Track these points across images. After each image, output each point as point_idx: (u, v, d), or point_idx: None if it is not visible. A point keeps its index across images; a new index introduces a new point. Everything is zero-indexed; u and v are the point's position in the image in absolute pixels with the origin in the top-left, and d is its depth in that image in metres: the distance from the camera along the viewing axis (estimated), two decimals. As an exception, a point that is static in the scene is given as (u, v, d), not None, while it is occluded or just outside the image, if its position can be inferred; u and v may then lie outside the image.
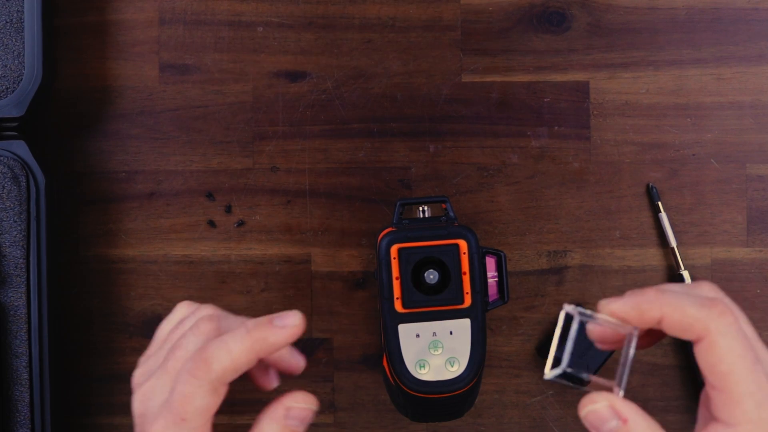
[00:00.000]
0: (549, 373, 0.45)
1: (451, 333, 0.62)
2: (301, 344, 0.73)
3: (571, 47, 0.73)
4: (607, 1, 0.73)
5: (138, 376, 0.52)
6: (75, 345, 0.73)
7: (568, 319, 0.45)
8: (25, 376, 0.67)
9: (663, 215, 0.72)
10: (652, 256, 0.73)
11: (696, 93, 0.73)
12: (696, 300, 0.44)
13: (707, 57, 0.73)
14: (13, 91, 0.69)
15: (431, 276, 0.63)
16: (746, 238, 0.73)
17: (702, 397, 0.46)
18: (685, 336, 0.44)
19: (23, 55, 0.68)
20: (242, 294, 0.73)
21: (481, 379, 0.66)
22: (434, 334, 0.62)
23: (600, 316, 0.45)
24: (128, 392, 0.73)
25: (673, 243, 0.72)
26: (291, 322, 0.49)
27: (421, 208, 0.68)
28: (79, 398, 0.73)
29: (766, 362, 0.44)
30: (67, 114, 0.74)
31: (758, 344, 0.45)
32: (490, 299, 0.65)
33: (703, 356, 0.43)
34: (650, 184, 0.73)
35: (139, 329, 0.73)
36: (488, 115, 0.73)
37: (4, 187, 0.68)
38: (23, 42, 0.68)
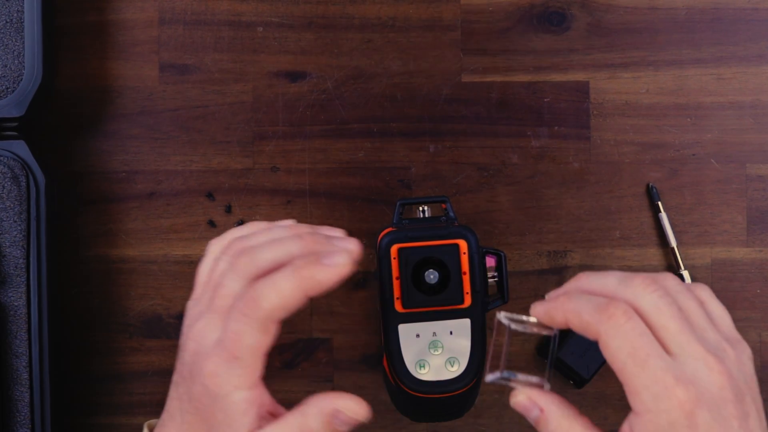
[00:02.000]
0: (488, 377, 0.51)
1: (451, 333, 0.62)
2: (301, 344, 0.73)
3: (571, 47, 0.73)
4: (607, 1, 0.73)
5: (188, 318, 0.52)
6: (75, 345, 0.73)
7: (504, 326, 0.51)
8: (25, 376, 0.67)
9: (663, 215, 0.72)
10: (652, 256, 0.73)
11: (696, 93, 0.73)
12: (593, 305, 0.47)
13: (707, 57, 0.73)
14: (13, 91, 0.69)
15: (431, 276, 0.63)
16: (746, 238, 0.73)
17: None
18: (589, 335, 0.48)
19: (23, 55, 0.68)
20: (242, 294, 0.73)
21: (481, 379, 0.66)
22: (434, 334, 0.62)
23: (529, 319, 0.51)
24: (129, 392, 0.74)
25: (673, 243, 0.72)
26: (340, 261, 0.49)
27: (421, 208, 0.68)
28: (79, 398, 0.73)
29: (680, 356, 0.46)
30: (67, 114, 0.74)
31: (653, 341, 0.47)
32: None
33: (604, 353, 0.47)
34: (650, 184, 0.73)
35: (139, 329, 0.73)
36: (488, 115, 0.73)
37: (4, 187, 0.68)
38: (23, 42, 0.68)
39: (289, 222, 0.54)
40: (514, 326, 0.51)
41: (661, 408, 0.45)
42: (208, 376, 0.48)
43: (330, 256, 0.49)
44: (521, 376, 0.51)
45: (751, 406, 0.46)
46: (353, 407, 0.49)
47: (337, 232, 0.54)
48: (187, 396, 0.50)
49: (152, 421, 0.60)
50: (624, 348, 0.46)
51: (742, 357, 0.47)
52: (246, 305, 0.48)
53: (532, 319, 0.50)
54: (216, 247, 0.53)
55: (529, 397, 0.50)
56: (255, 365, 0.48)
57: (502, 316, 0.51)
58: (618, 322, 0.46)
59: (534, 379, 0.51)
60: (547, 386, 0.51)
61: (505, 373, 0.51)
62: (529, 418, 0.50)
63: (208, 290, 0.52)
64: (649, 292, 0.47)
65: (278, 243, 0.50)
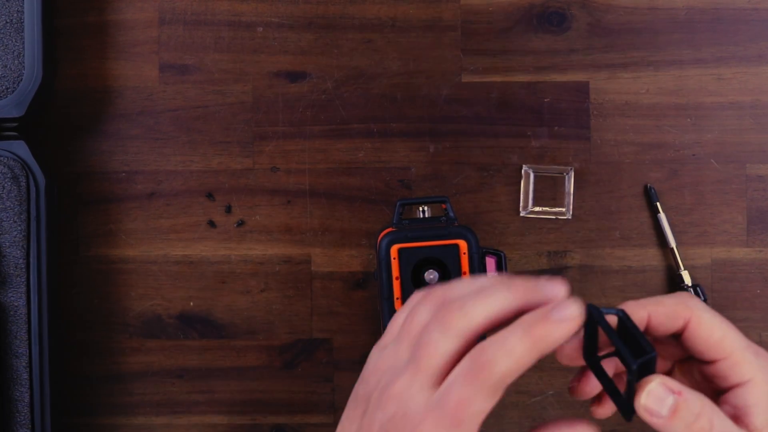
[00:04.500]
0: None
1: (451, 333, 0.62)
2: (301, 344, 0.73)
3: (571, 47, 0.73)
4: (607, 1, 0.73)
5: (378, 371, 0.48)
6: (75, 345, 0.73)
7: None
8: (25, 376, 0.67)
9: (662, 216, 0.72)
10: (652, 256, 0.73)
11: (696, 93, 0.73)
12: (668, 295, 0.47)
13: (707, 57, 0.73)
14: (13, 91, 0.69)
15: (431, 276, 0.63)
16: (746, 238, 0.73)
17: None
18: (673, 325, 0.46)
19: (23, 55, 0.68)
20: (242, 294, 0.73)
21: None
22: (434, 334, 0.62)
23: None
24: (128, 392, 0.74)
25: (673, 243, 0.72)
26: (570, 314, 0.44)
27: (421, 208, 0.68)
28: (79, 398, 0.73)
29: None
30: (67, 114, 0.74)
31: None
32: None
33: (695, 335, 0.46)
34: (648, 185, 0.73)
35: (139, 329, 0.73)
36: (488, 115, 0.73)
37: (4, 187, 0.68)
38: (23, 42, 0.68)
39: (494, 278, 0.49)
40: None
41: (763, 365, 0.46)
42: None
43: (559, 309, 0.44)
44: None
45: None
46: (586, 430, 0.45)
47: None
48: None
49: None
50: (717, 318, 0.46)
51: None
52: (477, 370, 0.44)
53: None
54: (416, 297, 0.49)
55: (662, 383, 0.44)
56: (474, 428, 0.45)
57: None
58: (700, 301, 0.47)
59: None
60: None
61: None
62: (664, 412, 0.44)
63: (404, 340, 0.47)
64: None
65: (487, 294, 0.46)
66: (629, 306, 0.47)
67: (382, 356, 0.48)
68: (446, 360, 0.45)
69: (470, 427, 0.44)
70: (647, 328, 0.47)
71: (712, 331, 0.46)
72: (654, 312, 0.47)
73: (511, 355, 0.43)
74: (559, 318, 0.44)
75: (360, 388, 0.48)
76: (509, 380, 0.44)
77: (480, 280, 0.47)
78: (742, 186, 0.73)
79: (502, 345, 0.44)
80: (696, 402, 0.44)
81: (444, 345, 0.45)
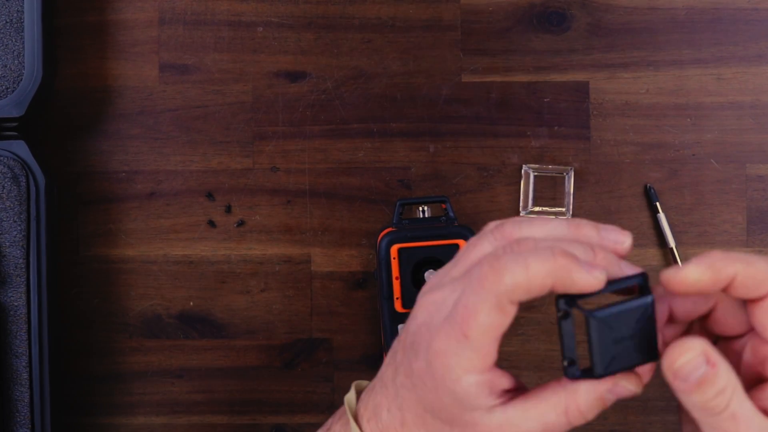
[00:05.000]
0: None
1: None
2: (301, 344, 0.73)
3: (571, 47, 0.73)
4: (607, 1, 0.73)
5: (425, 287, 0.47)
6: (75, 345, 0.73)
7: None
8: (25, 376, 0.67)
9: (661, 216, 0.72)
10: (652, 256, 0.73)
11: (696, 93, 0.73)
12: (759, 257, 0.43)
13: (707, 57, 0.73)
14: (13, 91, 0.69)
15: (431, 276, 0.63)
16: (746, 238, 0.73)
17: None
18: (755, 293, 0.43)
19: (23, 55, 0.68)
20: (242, 294, 0.73)
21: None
22: (434, 334, 0.62)
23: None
24: (128, 392, 0.74)
25: (672, 243, 0.72)
26: (598, 275, 0.42)
27: (421, 208, 0.68)
28: (79, 398, 0.73)
29: None
30: (67, 114, 0.74)
31: None
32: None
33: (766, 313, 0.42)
34: (648, 185, 0.73)
35: (139, 329, 0.73)
36: (488, 115, 0.73)
37: (4, 187, 0.68)
38: (23, 42, 0.68)
39: (563, 224, 0.47)
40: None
41: None
42: (434, 355, 0.43)
43: (593, 266, 0.43)
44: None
45: None
46: (633, 380, 0.44)
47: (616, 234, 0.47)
48: (405, 369, 0.46)
49: (361, 382, 0.54)
50: None
51: None
52: (486, 276, 0.42)
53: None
54: (491, 224, 0.47)
55: (704, 351, 0.41)
56: (488, 348, 0.43)
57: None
58: None
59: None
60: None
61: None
62: (690, 380, 0.42)
63: (458, 266, 0.46)
64: None
65: (553, 226, 0.45)
66: (717, 260, 0.42)
67: (434, 276, 0.47)
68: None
69: (479, 344, 0.42)
70: (729, 287, 0.43)
71: None
72: (742, 273, 0.42)
73: (527, 269, 0.41)
74: (586, 268, 0.42)
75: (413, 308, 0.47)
76: (516, 297, 0.42)
77: (553, 225, 0.45)
78: (742, 186, 0.73)
79: (521, 258, 0.42)
80: (723, 378, 0.41)
81: (487, 249, 0.44)
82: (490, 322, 0.42)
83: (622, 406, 0.73)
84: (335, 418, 0.52)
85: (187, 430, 0.73)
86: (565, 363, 0.44)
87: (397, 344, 0.48)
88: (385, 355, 0.64)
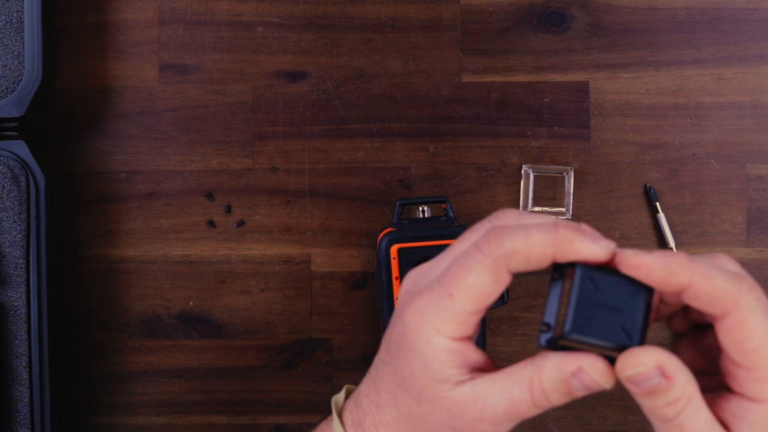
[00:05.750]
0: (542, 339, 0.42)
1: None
2: (301, 344, 0.73)
3: (571, 47, 0.73)
4: (607, 1, 0.73)
5: (414, 270, 0.46)
6: (75, 345, 0.73)
7: (560, 274, 0.42)
8: (25, 376, 0.67)
9: (661, 216, 0.72)
10: (652, 256, 0.73)
11: (696, 93, 0.73)
12: (725, 273, 0.42)
13: (707, 57, 0.73)
14: (13, 91, 0.69)
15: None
16: (746, 238, 0.73)
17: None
18: (710, 308, 0.41)
19: (23, 55, 0.68)
20: (242, 294, 0.73)
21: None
22: (434, 334, 0.62)
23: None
24: (128, 392, 0.74)
25: (672, 243, 0.72)
26: (605, 244, 0.41)
27: (421, 208, 0.68)
28: (79, 398, 0.73)
29: None
30: (67, 114, 0.74)
31: None
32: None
33: (729, 331, 0.41)
34: (648, 185, 0.73)
35: (139, 329, 0.73)
36: (488, 115, 0.73)
37: (4, 187, 0.68)
38: (23, 42, 0.68)
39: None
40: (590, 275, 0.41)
41: None
42: (410, 313, 0.42)
43: (597, 235, 0.41)
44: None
45: None
46: (601, 370, 0.41)
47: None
48: (385, 342, 0.44)
49: (352, 386, 0.53)
50: (766, 324, 0.40)
51: None
52: (485, 239, 0.41)
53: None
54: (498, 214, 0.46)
55: (660, 364, 0.40)
56: (469, 316, 0.41)
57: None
58: (757, 295, 0.41)
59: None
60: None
61: (575, 337, 0.40)
62: (642, 387, 0.41)
63: (446, 252, 0.45)
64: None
65: (542, 219, 0.43)
66: (675, 262, 0.41)
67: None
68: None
69: (463, 304, 0.41)
70: (684, 295, 0.42)
71: (750, 337, 0.41)
72: (697, 286, 0.41)
73: (527, 237, 0.40)
74: (591, 236, 0.41)
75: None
76: (516, 263, 0.41)
77: (543, 217, 0.44)
78: (741, 186, 0.73)
79: (523, 227, 0.41)
80: (677, 391, 0.41)
81: (480, 230, 0.43)
82: (481, 284, 0.41)
83: (622, 405, 0.73)
84: (325, 422, 0.52)
85: (187, 430, 0.73)
86: (541, 328, 0.42)
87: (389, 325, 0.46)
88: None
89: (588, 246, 0.41)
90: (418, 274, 0.45)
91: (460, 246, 0.44)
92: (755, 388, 0.41)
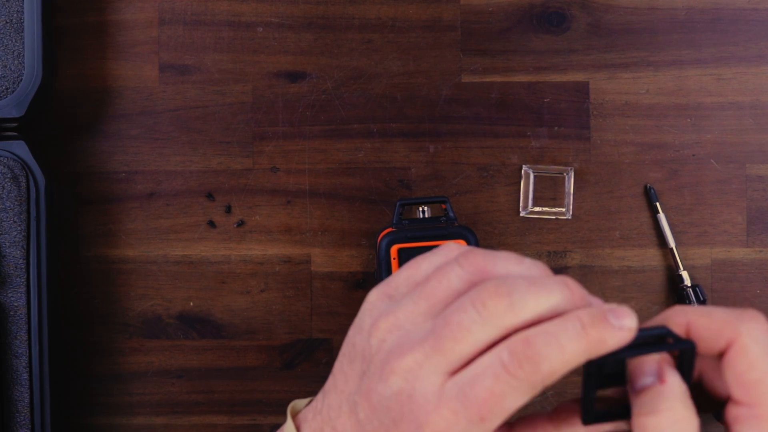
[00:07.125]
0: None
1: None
2: (301, 345, 0.73)
3: (570, 47, 0.73)
4: (607, 1, 0.73)
5: (380, 330, 0.42)
6: (75, 345, 0.73)
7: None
8: (25, 376, 0.67)
9: (661, 216, 0.72)
10: (652, 257, 0.73)
11: (696, 93, 0.73)
12: (726, 308, 0.41)
13: (707, 57, 0.73)
14: (13, 91, 0.69)
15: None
16: (746, 239, 0.73)
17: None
18: (714, 345, 0.40)
19: (23, 55, 0.68)
20: (242, 294, 0.73)
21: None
22: (434, 334, 0.62)
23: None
24: (128, 392, 0.74)
25: (672, 243, 0.72)
26: (630, 324, 0.39)
27: (421, 209, 0.68)
28: (79, 398, 0.73)
29: None
30: (67, 114, 0.74)
31: None
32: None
33: (731, 365, 0.40)
34: (648, 185, 0.73)
35: (139, 329, 0.73)
36: (488, 115, 0.73)
37: (4, 187, 0.68)
38: (23, 42, 0.68)
39: (539, 264, 0.43)
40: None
41: None
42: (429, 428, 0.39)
43: (618, 315, 0.39)
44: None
45: None
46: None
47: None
48: (371, 393, 0.41)
49: (297, 402, 0.51)
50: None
51: None
52: (518, 364, 0.38)
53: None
54: (452, 248, 0.43)
55: (657, 361, 0.40)
56: (496, 428, 0.40)
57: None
58: (760, 325, 0.40)
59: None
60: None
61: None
62: (635, 383, 0.40)
63: (423, 301, 0.41)
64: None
65: (540, 288, 0.40)
66: (670, 313, 0.41)
67: (391, 311, 0.42)
68: (476, 350, 0.39)
69: (494, 424, 0.39)
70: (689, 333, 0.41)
71: (751, 368, 0.39)
72: (695, 322, 0.41)
73: (563, 353, 0.38)
74: (619, 325, 0.39)
75: (357, 339, 0.42)
76: (552, 380, 0.39)
77: (529, 264, 0.42)
78: (741, 186, 0.73)
79: (555, 340, 0.38)
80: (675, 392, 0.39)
81: (478, 334, 0.39)
82: (517, 406, 0.39)
83: (622, 406, 0.72)
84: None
85: (187, 430, 0.73)
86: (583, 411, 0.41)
87: (352, 359, 0.43)
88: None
89: (617, 339, 0.39)
90: (413, 374, 0.40)
91: (431, 298, 0.41)
92: (756, 427, 0.39)
